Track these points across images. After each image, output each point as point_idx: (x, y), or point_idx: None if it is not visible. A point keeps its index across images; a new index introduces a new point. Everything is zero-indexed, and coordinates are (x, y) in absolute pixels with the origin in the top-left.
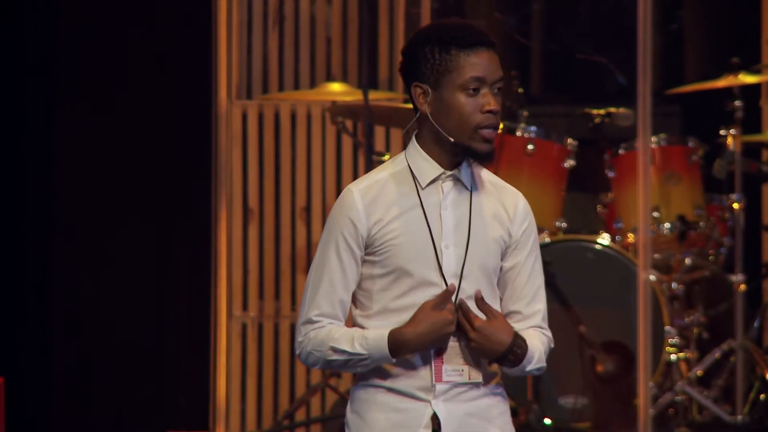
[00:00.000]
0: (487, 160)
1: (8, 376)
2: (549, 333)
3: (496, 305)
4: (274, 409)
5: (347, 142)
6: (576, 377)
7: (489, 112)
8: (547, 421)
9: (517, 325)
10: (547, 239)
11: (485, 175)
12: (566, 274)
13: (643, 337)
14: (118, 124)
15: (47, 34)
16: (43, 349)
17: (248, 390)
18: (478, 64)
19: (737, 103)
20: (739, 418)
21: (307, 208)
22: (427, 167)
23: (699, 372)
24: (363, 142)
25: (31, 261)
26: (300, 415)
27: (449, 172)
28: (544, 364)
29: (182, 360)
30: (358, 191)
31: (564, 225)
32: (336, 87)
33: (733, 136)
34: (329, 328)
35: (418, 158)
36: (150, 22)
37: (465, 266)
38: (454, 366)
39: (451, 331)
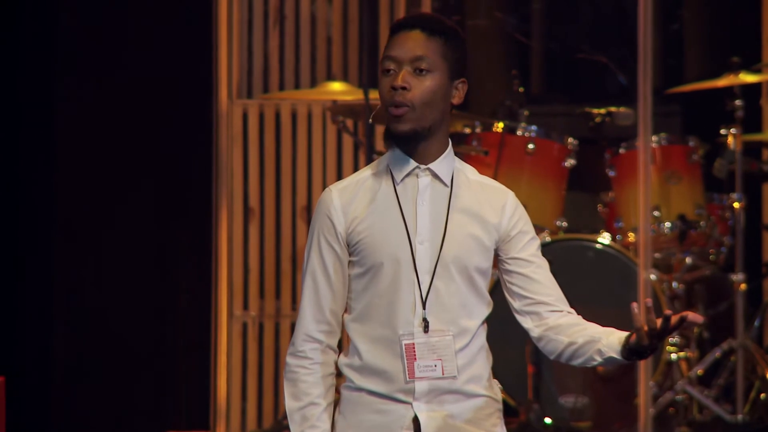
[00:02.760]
0: (399, 141)
1: (9, 375)
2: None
3: (479, 308)
4: (275, 408)
5: (348, 141)
6: (576, 376)
7: (392, 88)
8: (548, 420)
9: (552, 316)
10: (548, 238)
11: (472, 174)
12: (567, 273)
13: None
14: (118, 123)
15: (47, 32)
16: (44, 348)
17: (249, 389)
18: (392, 44)
19: (738, 102)
20: (740, 417)
21: (308, 208)
22: (402, 162)
23: (699, 371)
24: (364, 142)
25: (31, 260)
26: None
27: (423, 166)
28: None
29: (183, 359)
30: (337, 190)
31: (564, 224)
32: (337, 86)
33: (734, 136)
34: (303, 387)
35: (396, 154)
36: (151, 22)
37: (438, 263)
38: (427, 362)
39: None
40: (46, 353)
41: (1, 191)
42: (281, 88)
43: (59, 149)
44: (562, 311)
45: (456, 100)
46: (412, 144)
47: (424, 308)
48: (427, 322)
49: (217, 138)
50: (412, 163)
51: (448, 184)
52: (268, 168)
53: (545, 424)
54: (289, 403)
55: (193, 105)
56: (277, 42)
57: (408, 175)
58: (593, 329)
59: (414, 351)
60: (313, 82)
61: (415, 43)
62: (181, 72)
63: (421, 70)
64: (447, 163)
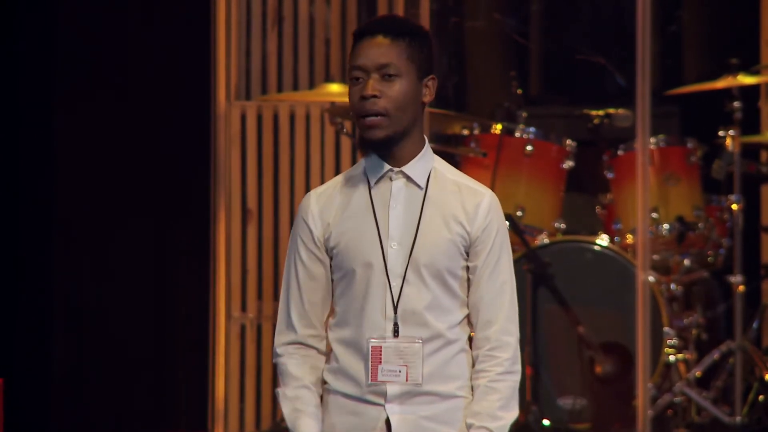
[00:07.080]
0: (375, 148)
1: (7, 377)
2: (503, 354)
3: (454, 309)
4: (273, 409)
5: (346, 143)
6: (575, 378)
7: (362, 98)
8: (546, 422)
9: (473, 346)
10: (546, 240)
11: (451, 174)
12: (565, 274)
13: (642, 338)
14: (117, 125)
15: (46, 34)
16: (43, 349)
17: (247, 391)
18: (358, 53)
19: (736, 104)
20: (738, 419)
21: None
22: (377, 165)
23: (698, 373)
24: None
25: (30, 261)
26: None
27: (396, 169)
28: (515, 410)
29: (181, 361)
30: (315, 195)
31: (563, 226)
32: (335, 88)
33: (732, 137)
34: (294, 393)
35: (372, 158)
36: (149, 23)
37: (409, 266)
38: (392, 366)
39: None
40: (46, 354)
41: (1, 191)
42: (279, 89)
43: (59, 149)
44: (479, 339)
45: (427, 99)
46: (388, 149)
47: (395, 312)
48: (398, 327)
49: (215, 139)
50: (386, 167)
51: (423, 186)
52: (266, 169)
53: (543, 425)
54: (279, 392)
55: (191, 106)
56: (275, 43)
57: (381, 178)
58: (473, 406)
59: (380, 354)
60: (312, 84)
61: (379, 50)
62: (179, 73)
63: (390, 76)
64: (422, 164)
